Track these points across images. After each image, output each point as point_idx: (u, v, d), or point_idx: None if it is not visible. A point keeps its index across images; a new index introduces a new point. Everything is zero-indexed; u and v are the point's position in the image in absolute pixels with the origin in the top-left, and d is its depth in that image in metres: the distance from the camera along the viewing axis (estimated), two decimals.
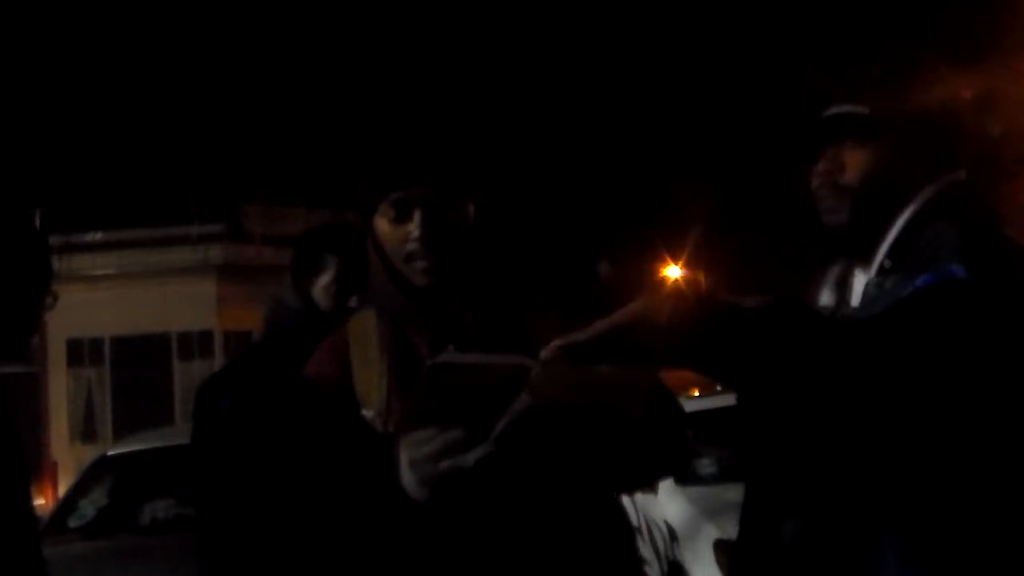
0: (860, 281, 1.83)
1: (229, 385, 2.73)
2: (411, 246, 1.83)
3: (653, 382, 1.80)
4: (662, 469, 1.99)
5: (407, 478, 1.67)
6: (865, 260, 1.81)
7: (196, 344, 18.73)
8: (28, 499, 2.34)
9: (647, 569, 5.16)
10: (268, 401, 2.54)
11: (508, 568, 1.79)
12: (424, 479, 1.65)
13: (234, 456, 2.56)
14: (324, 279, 2.63)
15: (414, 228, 1.82)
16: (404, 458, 1.67)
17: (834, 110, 1.81)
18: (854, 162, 1.78)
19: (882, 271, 1.74)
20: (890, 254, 1.74)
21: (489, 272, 1.92)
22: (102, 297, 18.43)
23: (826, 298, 1.88)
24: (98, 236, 19.34)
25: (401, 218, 1.84)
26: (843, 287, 1.87)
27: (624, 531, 1.99)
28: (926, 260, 1.65)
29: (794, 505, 1.77)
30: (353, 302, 2.59)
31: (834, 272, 1.88)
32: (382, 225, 1.87)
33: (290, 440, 2.02)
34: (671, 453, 1.92)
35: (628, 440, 1.75)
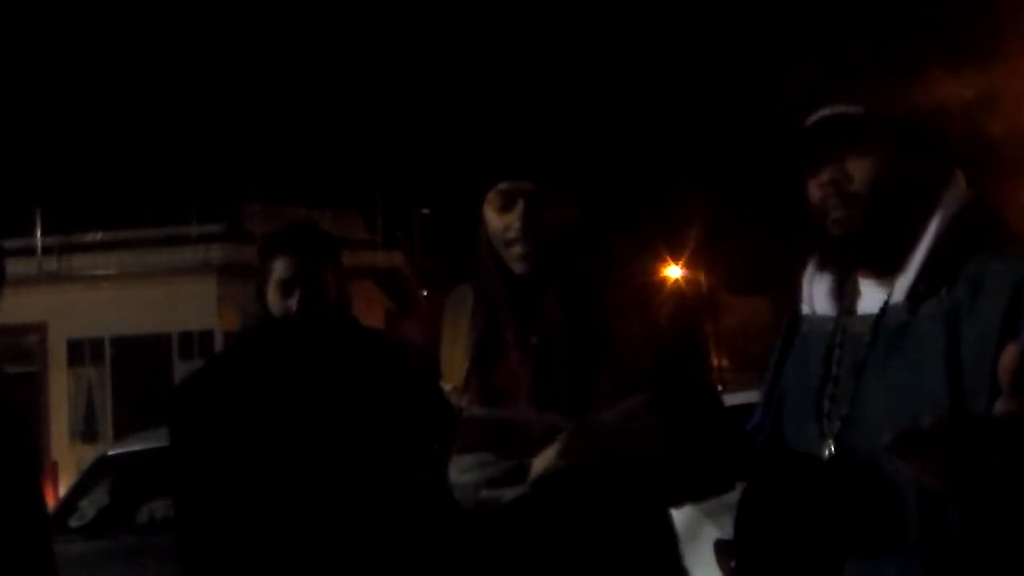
0: (871, 291, 1.80)
1: (196, 389, 2.78)
2: (511, 233, 1.98)
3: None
4: (711, 489, 2.04)
5: (453, 492, 1.82)
6: (874, 269, 1.79)
7: (196, 344, 18.68)
8: (40, 496, 2.36)
9: None
10: (230, 405, 2.60)
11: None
12: (463, 502, 1.80)
13: (200, 462, 2.61)
14: (271, 282, 2.64)
15: (515, 218, 1.96)
16: (451, 475, 1.81)
17: (828, 111, 1.78)
18: (859, 170, 1.75)
19: (915, 295, 1.70)
20: (923, 278, 1.70)
21: (585, 274, 2.02)
22: (102, 297, 18.43)
23: (823, 305, 1.85)
24: (98, 236, 19.33)
25: (506, 207, 1.98)
26: (842, 294, 1.84)
27: (670, 544, 2.02)
28: (1005, 308, 1.60)
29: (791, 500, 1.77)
30: (294, 303, 2.56)
31: (826, 279, 1.84)
32: (489, 213, 2.02)
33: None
34: (722, 473, 1.97)
35: (678, 460, 1.83)
